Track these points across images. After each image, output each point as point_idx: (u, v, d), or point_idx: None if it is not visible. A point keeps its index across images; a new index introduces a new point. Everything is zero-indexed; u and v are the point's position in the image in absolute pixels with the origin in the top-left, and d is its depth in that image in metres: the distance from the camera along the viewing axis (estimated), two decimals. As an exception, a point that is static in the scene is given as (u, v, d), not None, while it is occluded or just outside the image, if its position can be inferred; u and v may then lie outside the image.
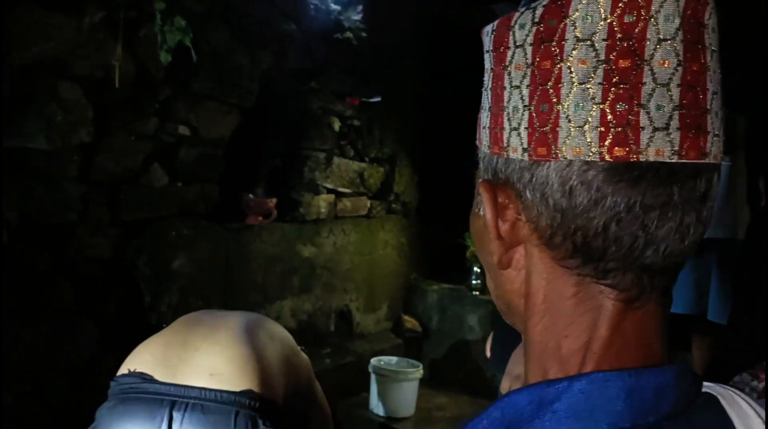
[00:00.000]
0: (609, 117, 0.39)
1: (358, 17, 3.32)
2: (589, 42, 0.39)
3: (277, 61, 3.00)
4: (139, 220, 2.54)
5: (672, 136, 0.38)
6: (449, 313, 3.85)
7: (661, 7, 0.38)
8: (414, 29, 3.74)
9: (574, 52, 0.39)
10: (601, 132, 0.39)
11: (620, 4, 0.38)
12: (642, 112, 0.38)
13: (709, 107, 0.40)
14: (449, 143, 4.17)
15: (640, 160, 0.38)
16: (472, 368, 3.71)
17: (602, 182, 0.39)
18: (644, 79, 0.38)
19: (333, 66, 3.32)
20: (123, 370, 1.19)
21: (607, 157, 0.39)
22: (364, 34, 3.34)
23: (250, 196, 3.03)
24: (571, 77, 0.39)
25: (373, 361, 3.26)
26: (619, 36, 0.38)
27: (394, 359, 3.36)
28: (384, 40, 3.50)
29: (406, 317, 3.85)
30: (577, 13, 0.39)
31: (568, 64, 0.39)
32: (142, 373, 1.15)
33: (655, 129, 0.38)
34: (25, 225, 2.22)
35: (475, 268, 3.87)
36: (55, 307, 2.29)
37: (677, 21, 0.38)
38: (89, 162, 2.38)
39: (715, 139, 0.40)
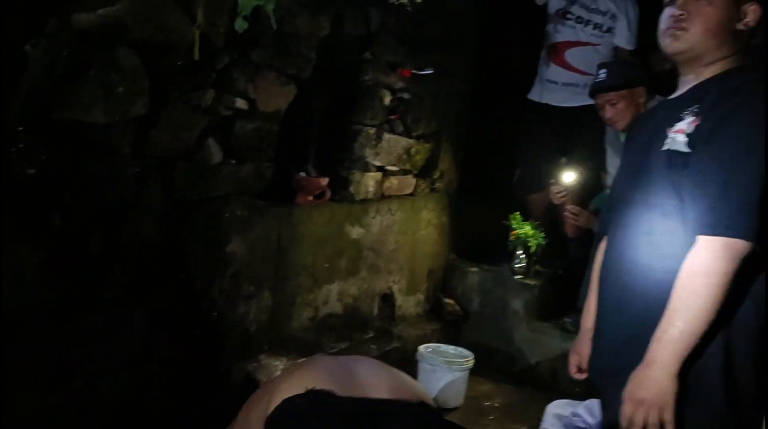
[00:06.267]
0: None
1: (414, -20, 3.08)
2: None
3: (333, 27, 2.77)
4: (192, 200, 2.35)
5: None
6: (491, 297, 3.72)
7: None
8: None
9: None
10: None
11: None
12: None
13: None
14: (497, 122, 3.99)
15: None
16: (514, 354, 3.60)
17: None
18: None
19: (387, 34, 3.09)
20: (297, 390, 1.18)
21: None
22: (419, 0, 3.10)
23: (302, 174, 2.83)
24: None
25: (421, 349, 3.13)
26: None
27: (441, 346, 3.23)
28: (438, 7, 3.27)
29: (447, 300, 3.71)
30: None
31: None
32: (322, 390, 1.16)
33: None
34: (77, 205, 2.01)
35: (518, 252, 3.73)
36: (109, 295, 2.11)
37: None
38: (143, 136, 2.16)
39: None
